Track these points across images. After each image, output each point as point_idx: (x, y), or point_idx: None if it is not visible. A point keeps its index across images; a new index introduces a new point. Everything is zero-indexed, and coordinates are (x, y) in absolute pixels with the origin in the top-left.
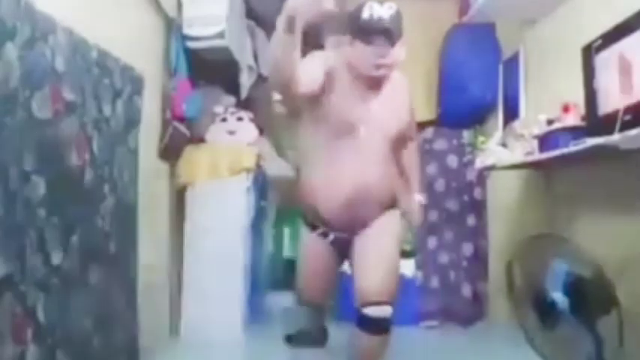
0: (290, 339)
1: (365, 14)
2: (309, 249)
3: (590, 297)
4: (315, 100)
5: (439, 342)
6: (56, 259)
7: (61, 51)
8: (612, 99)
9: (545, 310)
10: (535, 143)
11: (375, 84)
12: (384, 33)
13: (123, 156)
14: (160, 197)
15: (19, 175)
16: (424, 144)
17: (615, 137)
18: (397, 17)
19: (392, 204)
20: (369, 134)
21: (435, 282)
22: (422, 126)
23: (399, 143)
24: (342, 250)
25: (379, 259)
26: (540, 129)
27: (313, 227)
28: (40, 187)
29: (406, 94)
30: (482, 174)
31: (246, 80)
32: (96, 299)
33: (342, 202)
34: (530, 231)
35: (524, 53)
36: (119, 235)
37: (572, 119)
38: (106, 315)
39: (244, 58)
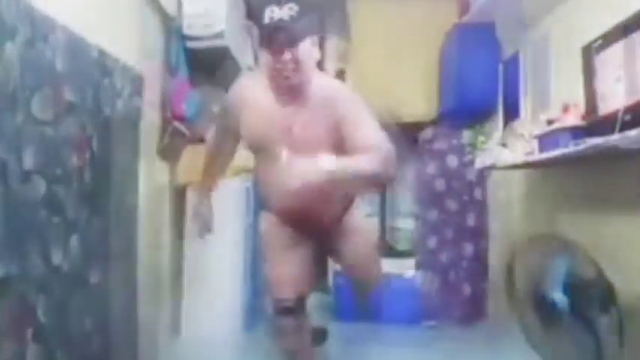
0: None
1: (265, 19)
2: (271, 229)
3: (590, 297)
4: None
5: (439, 342)
6: (56, 259)
7: (61, 51)
8: (612, 99)
9: (545, 310)
10: (535, 143)
11: (292, 97)
12: (282, 34)
13: (123, 156)
14: (160, 197)
15: (20, 175)
16: (424, 144)
17: (615, 137)
18: (299, 17)
19: (350, 202)
20: (293, 154)
21: (435, 282)
22: (422, 126)
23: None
24: (315, 239)
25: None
26: (540, 129)
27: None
28: (40, 187)
29: (342, 107)
30: (483, 174)
31: None
32: (96, 299)
33: (285, 212)
34: (531, 231)
35: (525, 53)
36: (119, 235)
37: (572, 119)
38: (106, 315)
39: (244, 58)
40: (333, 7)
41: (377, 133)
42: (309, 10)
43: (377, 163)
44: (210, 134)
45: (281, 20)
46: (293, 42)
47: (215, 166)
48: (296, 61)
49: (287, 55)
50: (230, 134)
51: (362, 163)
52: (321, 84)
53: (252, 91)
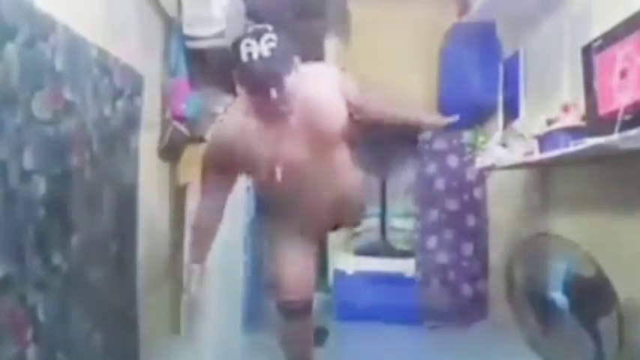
0: None
1: (243, 56)
2: (278, 231)
3: (590, 297)
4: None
5: (439, 342)
6: (56, 259)
7: (61, 51)
8: (612, 99)
9: (545, 310)
10: (535, 143)
11: (281, 118)
12: (266, 74)
13: (123, 156)
14: (160, 197)
15: (19, 175)
16: (424, 144)
17: (615, 137)
18: (280, 47)
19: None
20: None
21: (435, 282)
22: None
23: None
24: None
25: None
26: (540, 129)
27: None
28: (40, 187)
29: (334, 84)
30: (482, 174)
31: None
32: (96, 299)
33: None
34: (530, 231)
35: (524, 53)
36: (119, 234)
37: (572, 119)
38: (106, 315)
39: None
40: (332, 8)
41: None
42: (288, 35)
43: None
44: (200, 207)
45: (261, 58)
46: (279, 81)
47: (210, 235)
48: (284, 97)
49: (274, 94)
50: (227, 184)
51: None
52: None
53: (237, 130)
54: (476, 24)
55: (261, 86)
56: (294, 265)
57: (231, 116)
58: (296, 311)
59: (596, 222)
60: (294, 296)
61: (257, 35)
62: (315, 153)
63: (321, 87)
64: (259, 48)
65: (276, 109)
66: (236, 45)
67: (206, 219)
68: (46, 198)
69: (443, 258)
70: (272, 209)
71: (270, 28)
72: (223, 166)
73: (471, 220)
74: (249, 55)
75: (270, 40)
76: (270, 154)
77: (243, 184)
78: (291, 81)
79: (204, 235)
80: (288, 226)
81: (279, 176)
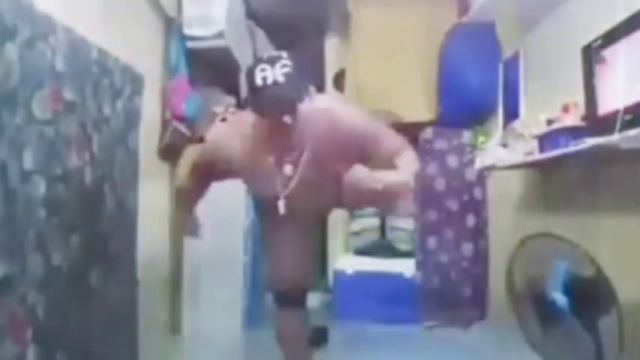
0: None
1: (258, 80)
2: (273, 220)
3: (590, 297)
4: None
5: (439, 342)
6: (56, 259)
7: (61, 51)
8: (612, 99)
9: (545, 310)
10: (535, 143)
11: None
12: (280, 100)
13: (123, 156)
14: (160, 197)
15: (20, 175)
16: (424, 144)
17: (615, 137)
18: (294, 75)
19: None
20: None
21: (435, 282)
22: (422, 126)
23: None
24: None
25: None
26: (540, 129)
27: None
28: (40, 186)
29: (339, 125)
30: (483, 174)
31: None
32: (96, 299)
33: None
34: (530, 231)
35: (524, 53)
36: (119, 235)
37: (572, 119)
38: (106, 315)
39: (244, 58)
40: (332, 8)
41: (394, 135)
42: (303, 60)
43: (415, 159)
44: (183, 173)
45: (276, 83)
46: (292, 107)
47: (194, 197)
48: (295, 124)
49: (287, 119)
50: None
51: (410, 166)
52: (312, 114)
53: (236, 141)
54: (476, 24)
55: (274, 111)
56: (288, 255)
57: (233, 130)
58: (289, 301)
59: (596, 222)
60: (287, 285)
61: (272, 61)
62: (316, 180)
63: (330, 130)
64: (274, 73)
65: (287, 136)
66: (251, 70)
67: (187, 193)
68: (46, 198)
69: (443, 258)
70: (266, 207)
71: (285, 55)
72: (214, 172)
73: (470, 220)
74: (264, 79)
75: (284, 65)
76: (268, 182)
77: (243, 186)
78: (306, 113)
79: (189, 198)
80: (283, 219)
81: (281, 210)
